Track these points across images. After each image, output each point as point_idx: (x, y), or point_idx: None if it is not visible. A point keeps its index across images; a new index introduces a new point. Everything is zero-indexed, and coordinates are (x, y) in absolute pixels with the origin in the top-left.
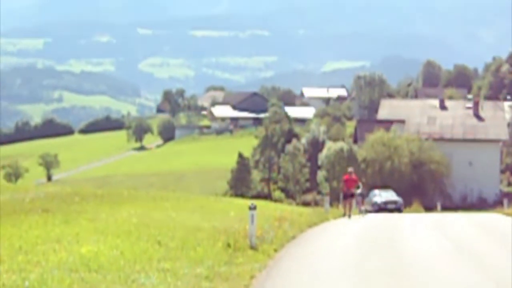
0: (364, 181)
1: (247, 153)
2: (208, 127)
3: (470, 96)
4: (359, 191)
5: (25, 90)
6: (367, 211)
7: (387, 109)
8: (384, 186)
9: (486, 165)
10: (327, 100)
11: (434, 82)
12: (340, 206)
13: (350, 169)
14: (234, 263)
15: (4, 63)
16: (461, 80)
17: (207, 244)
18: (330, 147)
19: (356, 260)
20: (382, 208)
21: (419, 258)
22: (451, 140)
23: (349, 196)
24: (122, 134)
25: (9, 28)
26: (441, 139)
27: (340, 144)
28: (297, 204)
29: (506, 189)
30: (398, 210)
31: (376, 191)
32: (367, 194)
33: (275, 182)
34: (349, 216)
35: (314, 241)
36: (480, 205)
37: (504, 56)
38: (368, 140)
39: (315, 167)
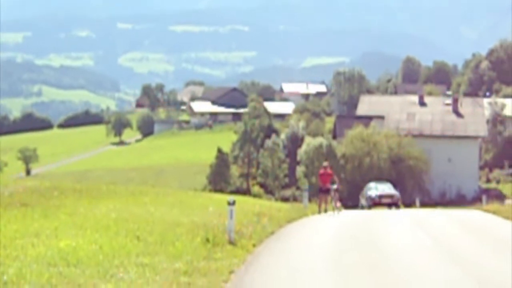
0: (343, 177)
1: (226, 148)
2: (187, 122)
3: (449, 93)
4: (335, 186)
5: (4, 84)
6: (342, 207)
7: (366, 105)
8: (381, 179)
9: (465, 162)
10: (306, 96)
11: (413, 78)
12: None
13: (325, 163)
14: (213, 258)
15: None
16: (441, 76)
17: (186, 239)
18: (309, 143)
19: (335, 255)
20: (376, 202)
21: (398, 253)
22: (430, 136)
23: (324, 191)
24: (101, 129)
25: None
26: (420, 135)
27: (319, 140)
28: (276, 199)
29: (484, 185)
30: (395, 205)
31: (372, 184)
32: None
33: (254, 178)
34: (325, 210)
35: (293, 236)
36: (459, 201)
37: (484, 52)
38: (347, 136)
39: (294, 162)
